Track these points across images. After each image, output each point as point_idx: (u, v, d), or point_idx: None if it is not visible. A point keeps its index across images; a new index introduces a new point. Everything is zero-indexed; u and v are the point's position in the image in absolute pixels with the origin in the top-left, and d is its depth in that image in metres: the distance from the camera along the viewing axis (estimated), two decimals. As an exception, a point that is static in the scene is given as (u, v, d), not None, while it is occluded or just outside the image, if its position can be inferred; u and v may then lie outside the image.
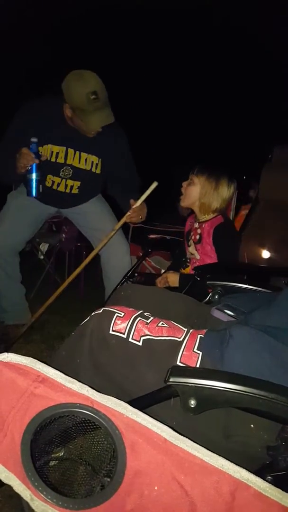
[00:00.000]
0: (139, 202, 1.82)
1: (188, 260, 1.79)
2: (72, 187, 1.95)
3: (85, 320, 0.94)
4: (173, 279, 1.64)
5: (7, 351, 0.63)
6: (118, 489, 0.49)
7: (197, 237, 1.72)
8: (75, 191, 1.97)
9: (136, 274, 2.02)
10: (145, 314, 0.91)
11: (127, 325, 0.86)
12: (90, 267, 2.09)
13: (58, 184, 1.94)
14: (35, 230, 2.12)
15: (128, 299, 1.13)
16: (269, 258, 1.87)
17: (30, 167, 1.75)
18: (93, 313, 0.93)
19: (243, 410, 0.68)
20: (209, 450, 0.55)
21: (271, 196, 2.09)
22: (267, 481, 0.63)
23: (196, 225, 1.76)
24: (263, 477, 0.63)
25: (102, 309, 0.92)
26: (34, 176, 1.77)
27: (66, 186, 1.94)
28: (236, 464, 0.53)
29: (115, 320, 0.87)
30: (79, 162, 1.89)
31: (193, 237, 1.76)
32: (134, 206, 1.82)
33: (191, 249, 1.77)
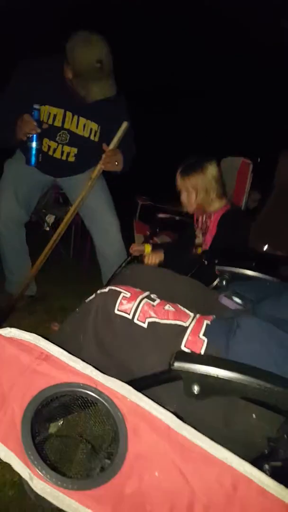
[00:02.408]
0: (112, 145, 1.75)
1: (196, 244, 1.76)
2: (68, 154, 1.88)
3: (91, 298, 0.93)
4: (159, 258, 1.63)
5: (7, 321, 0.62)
6: (118, 471, 0.49)
7: (204, 227, 1.68)
8: (71, 158, 1.90)
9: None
10: (152, 296, 0.90)
11: (133, 306, 0.85)
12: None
13: (54, 150, 1.86)
14: (35, 200, 2.07)
15: (135, 279, 1.11)
16: (282, 247, 1.82)
17: (31, 136, 1.69)
18: (98, 291, 0.92)
19: (247, 400, 0.67)
20: (208, 436, 0.54)
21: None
22: (264, 470, 0.63)
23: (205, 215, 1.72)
24: (261, 466, 0.63)
25: (108, 288, 0.91)
26: (34, 144, 1.72)
27: (62, 152, 1.86)
28: (234, 452, 0.52)
29: (121, 300, 0.86)
30: (76, 127, 1.81)
31: (201, 226, 1.72)
32: (108, 149, 1.75)
33: (198, 240, 1.74)
